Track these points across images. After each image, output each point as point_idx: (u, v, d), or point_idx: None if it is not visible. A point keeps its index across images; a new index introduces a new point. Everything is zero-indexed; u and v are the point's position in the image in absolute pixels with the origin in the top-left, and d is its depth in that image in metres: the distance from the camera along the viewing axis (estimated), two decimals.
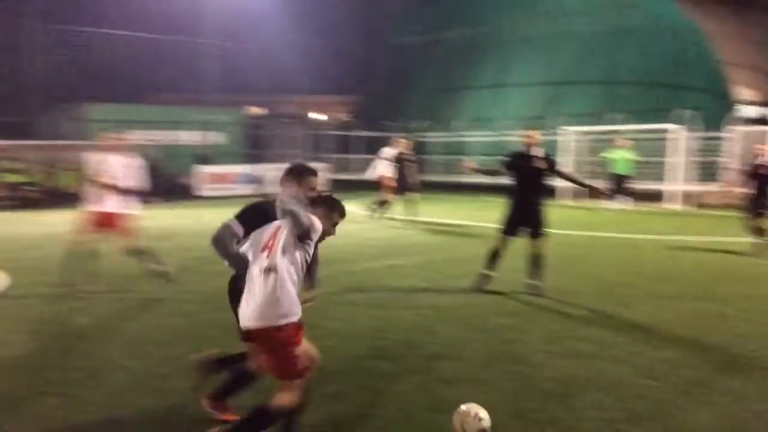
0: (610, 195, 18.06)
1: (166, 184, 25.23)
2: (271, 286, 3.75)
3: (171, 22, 28.88)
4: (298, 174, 4.26)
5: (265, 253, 3.83)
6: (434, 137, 29.09)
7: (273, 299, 3.74)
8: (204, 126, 27.88)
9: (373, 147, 31.42)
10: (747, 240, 11.87)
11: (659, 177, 21.05)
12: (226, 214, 4.35)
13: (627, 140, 20.09)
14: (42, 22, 23.28)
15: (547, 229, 8.46)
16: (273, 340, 3.76)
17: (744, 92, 22.62)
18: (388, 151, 17.01)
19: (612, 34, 26.16)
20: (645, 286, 8.92)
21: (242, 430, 3.85)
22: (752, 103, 22.05)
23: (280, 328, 3.74)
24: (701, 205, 20.13)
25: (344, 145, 32.46)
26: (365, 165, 31.55)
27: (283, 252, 3.80)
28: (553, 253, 9.08)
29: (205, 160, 26.25)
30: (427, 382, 5.27)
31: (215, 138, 28.63)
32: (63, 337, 6.57)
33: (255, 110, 38.87)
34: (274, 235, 3.87)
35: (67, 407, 4.79)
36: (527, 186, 8.46)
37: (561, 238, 12.12)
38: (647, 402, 4.87)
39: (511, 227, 8.47)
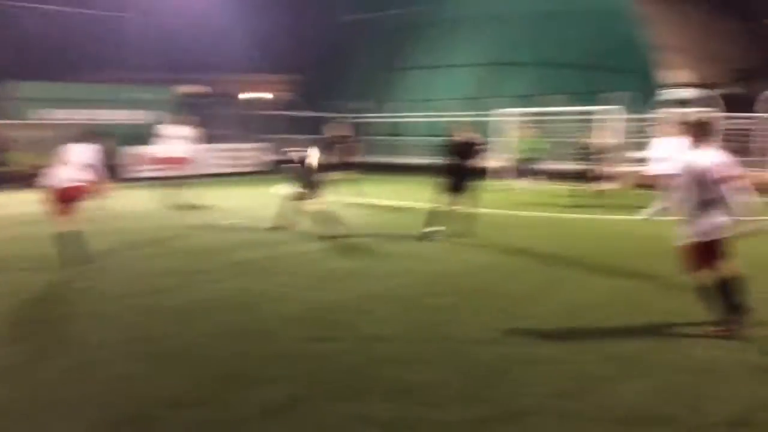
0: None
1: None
2: None
3: None
4: None
5: None
6: (375, 118, 28.90)
7: None
8: (135, 105, 27.04)
9: (314, 127, 31.07)
10: None
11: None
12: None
13: (528, 128, 20.62)
14: None
15: None
16: None
17: (682, 75, 22.99)
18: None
19: (548, 15, 26.45)
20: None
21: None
22: (687, 85, 22.46)
23: None
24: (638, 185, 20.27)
25: (287, 125, 31.97)
26: (306, 145, 31.16)
27: None
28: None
29: (137, 140, 25.35)
30: (364, 362, 5.32)
31: (146, 117, 27.73)
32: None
33: (189, 89, 37.99)
34: None
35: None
36: None
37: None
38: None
39: None
